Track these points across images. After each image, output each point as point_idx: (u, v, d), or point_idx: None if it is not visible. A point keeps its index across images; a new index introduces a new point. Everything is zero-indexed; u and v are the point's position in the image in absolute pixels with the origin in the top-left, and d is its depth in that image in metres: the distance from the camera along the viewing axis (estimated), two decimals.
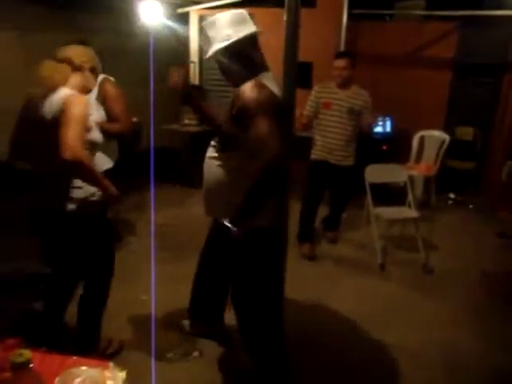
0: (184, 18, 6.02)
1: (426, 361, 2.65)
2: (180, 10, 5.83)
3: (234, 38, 1.84)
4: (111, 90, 3.00)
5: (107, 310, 2.81)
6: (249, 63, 1.91)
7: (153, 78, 5.23)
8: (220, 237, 2.10)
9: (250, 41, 1.91)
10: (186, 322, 2.82)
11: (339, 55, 3.95)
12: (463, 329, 2.97)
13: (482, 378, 2.54)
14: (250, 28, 1.90)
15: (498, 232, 4.47)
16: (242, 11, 1.93)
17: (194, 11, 5.97)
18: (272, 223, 2.00)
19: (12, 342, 1.30)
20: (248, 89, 1.82)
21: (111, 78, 3.08)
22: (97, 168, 2.46)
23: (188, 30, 6.08)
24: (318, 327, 2.97)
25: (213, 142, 2.08)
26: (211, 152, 2.07)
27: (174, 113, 5.86)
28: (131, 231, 4.33)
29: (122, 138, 3.17)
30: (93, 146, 2.22)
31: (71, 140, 1.90)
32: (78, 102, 2.04)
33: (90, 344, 2.40)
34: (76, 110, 2.00)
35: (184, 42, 6.13)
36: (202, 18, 6.06)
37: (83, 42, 2.71)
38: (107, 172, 2.95)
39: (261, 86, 1.83)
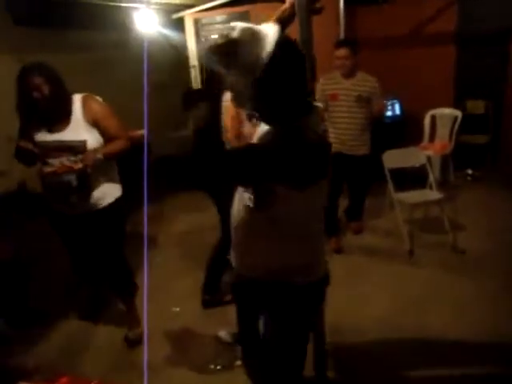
0: (179, 23, 5.97)
1: (475, 346, 2.59)
2: (175, 16, 5.79)
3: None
4: (98, 108, 2.61)
5: (141, 324, 2.82)
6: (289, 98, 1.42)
7: (155, 86, 5.23)
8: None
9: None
10: (223, 333, 2.78)
11: (339, 44, 3.83)
12: (501, 309, 2.90)
13: None
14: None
15: None
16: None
17: (188, 15, 5.92)
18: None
19: (65, 380, 1.26)
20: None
21: (97, 97, 2.67)
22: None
23: (185, 35, 6.02)
24: (355, 320, 2.92)
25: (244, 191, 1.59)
26: (241, 202, 1.63)
27: (181, 119, 5.83)
28: (153, 244, 4.29)
29: (126, 155, 2.74)
30: None
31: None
32: None
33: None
34: None
35: (182, 47, 6.08)
36: (197, 22, 6.01)
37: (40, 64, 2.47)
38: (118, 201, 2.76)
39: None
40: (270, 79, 1.34)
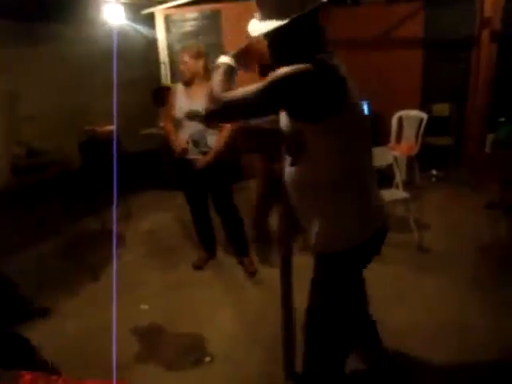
0: (150, 19, 5.90)
1: (441, 340, 2.65)
2: (145, 11, 5.72)
3: (297, 13, 1.48)
4: None
5: (109, 322, 2.75)
6: (308, 41, 1.56)
7: (124, 82, 5.15)
8: None
9: (313, 16, 1.54)
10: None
11: None
12: (468, 304, 2.99)
13: (496, 346, 2.56)
14: (313, 1, 1.52)
15: (485, 203, 4.54)
16: None
17: (159, 11, 5.85)
18: (351, 243, 1.73)
19: (28, 377, 1.23)
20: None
21: None
22: None
23: (155, 31, 5.96)
24: None
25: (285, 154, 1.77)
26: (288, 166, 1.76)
27: (150, 116, 5.77)
28: (121, 242, 4.24)
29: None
30: None
31: None
32: None
33: None
34: None
35: (152, 44, 6.02)
36: (167, 18, 5.95)
37: None
38: None
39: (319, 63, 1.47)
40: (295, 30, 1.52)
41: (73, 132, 5.29)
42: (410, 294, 3.17)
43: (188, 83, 3.30)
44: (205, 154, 3.30)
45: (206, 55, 3.25)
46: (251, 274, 3.54)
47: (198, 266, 3.69)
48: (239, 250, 3.67)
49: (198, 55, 3.21)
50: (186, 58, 3.21)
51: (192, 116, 3.25)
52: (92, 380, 1.42)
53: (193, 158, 3.32)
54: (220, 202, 3.52)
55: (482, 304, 2.96)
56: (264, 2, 1.55)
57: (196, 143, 3.29)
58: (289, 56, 1.52)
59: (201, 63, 3.22)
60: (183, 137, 3.31)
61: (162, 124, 5.60)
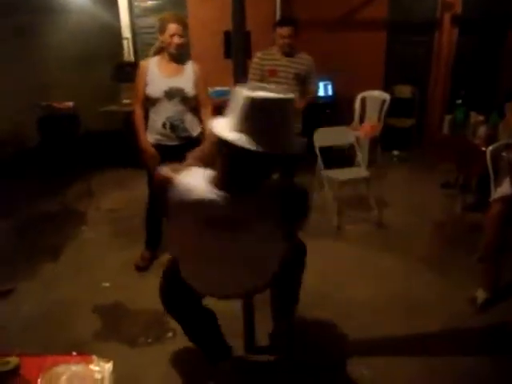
0: None
1: (389, 313, 2.77)
2: None
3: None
4: None
5: (70, 300, 2.74)
6: None
7: (86, 59, 5.02)
8: None
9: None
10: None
11: (283, 23, 3.78)
12: (419, 278, 3.14)
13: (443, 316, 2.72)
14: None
15: (442, 183, 4.71)
16: None
17: None
18: None
19: None
20: None
21: None
22: None
23: (117, 6, 5.79)
24: None
25: None
26: None
27: (111, 93, 5.64)
28: (82, 220, 4.18)
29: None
30: None
31: None
32: None
33: None
34: None
35: (115, 19, 5.85)
36: None
37: None
38: None
39: None
40: None
41: (31, 108, 5.13)
42: (366, 270, 3.28)
43: (171, 58, 2.99)
44: (183, 139, 3.04)
45: None
46: None
47: (141, 268, 3.34)
48: None
49: (185, 26, 2.96)
50: (179, 30, 2.88)
51: (172, 95, 2.97)
52: (55, 355, 1.41)
53: (169, 145, 3.04)
54: None
55: (431, 279, 3.11)
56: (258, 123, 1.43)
57: (174, 127, 3.01)
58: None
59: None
60: (158, 119, 3.01)
61: (126, 101, 5.49)
